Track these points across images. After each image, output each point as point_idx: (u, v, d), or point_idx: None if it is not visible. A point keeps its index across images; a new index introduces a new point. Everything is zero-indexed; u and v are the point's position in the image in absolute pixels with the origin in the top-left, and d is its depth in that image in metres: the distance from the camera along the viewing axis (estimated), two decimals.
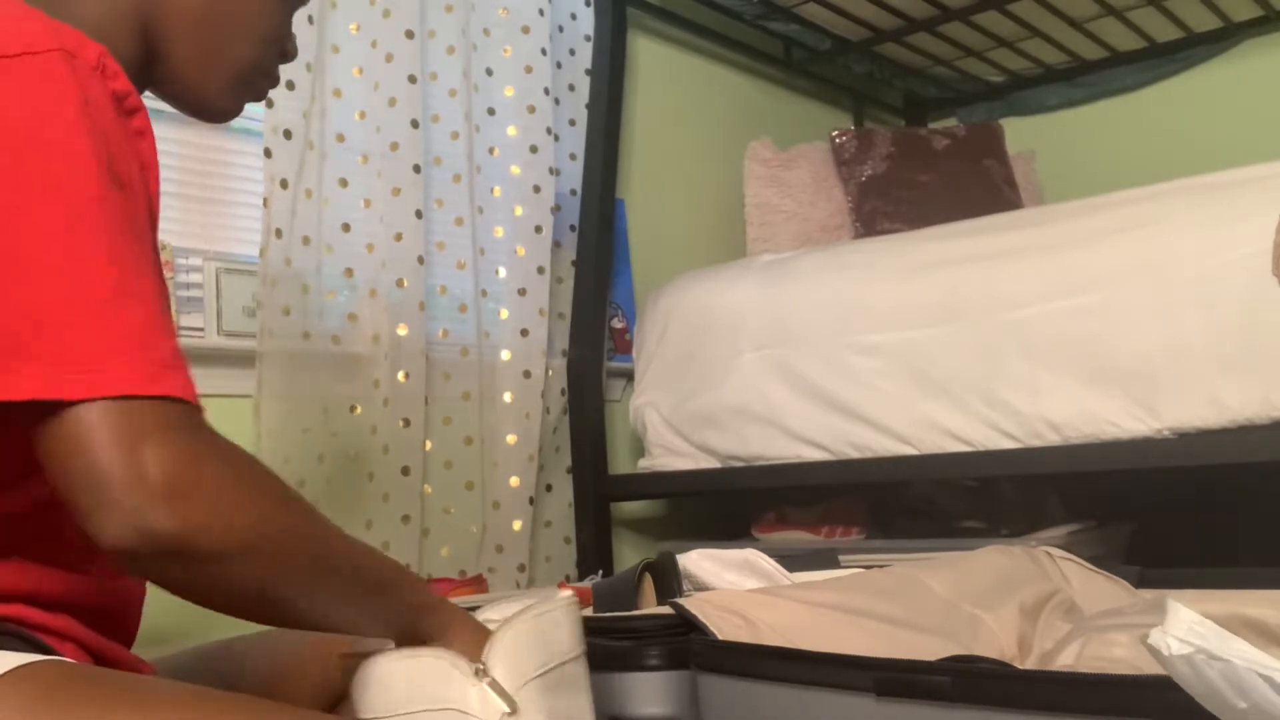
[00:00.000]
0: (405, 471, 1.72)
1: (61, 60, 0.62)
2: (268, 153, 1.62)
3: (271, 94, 1.62)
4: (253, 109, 1.65)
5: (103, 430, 0.59)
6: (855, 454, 1.77)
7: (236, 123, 1.70)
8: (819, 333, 1.81)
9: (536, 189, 1.99)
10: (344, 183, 1.73)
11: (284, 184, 1.63)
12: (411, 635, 0.75)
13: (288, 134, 1.64)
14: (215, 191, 1.66)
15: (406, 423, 1.73)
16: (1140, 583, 1.39)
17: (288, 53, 0.86)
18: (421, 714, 0.72)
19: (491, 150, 1.97)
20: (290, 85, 1.65)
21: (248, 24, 0.80)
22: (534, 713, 0.72)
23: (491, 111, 1.98)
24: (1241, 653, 0.50)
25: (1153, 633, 0.51)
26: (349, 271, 1.73)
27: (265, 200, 1.61)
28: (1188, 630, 0.52)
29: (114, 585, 0.75)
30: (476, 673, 0.72)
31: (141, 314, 0.62)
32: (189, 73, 0.79)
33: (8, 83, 0.61)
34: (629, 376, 2.15)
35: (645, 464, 2.04)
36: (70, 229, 0.60)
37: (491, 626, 0.76)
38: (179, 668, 0.86)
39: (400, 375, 1.73)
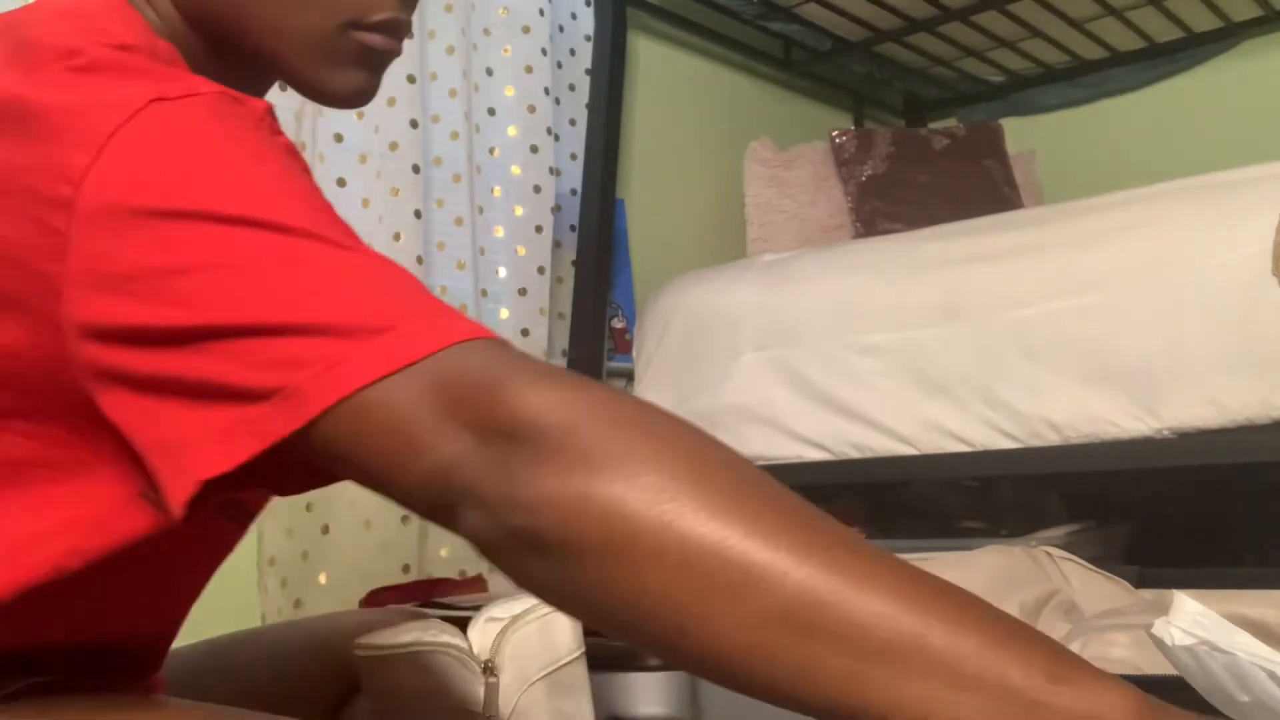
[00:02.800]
0: None
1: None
2: None
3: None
4: None
5: (416, 401, 0.47)
6: (855, 454, 1.77)
7: None
8: (819, 333, 1.81)
9: (537, 189, 1.98)
10: (342, 182, 1.73)
11: None
12: None
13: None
14: None
15: None
16: (1140, 583, 1.40)
17: None
18: (431, 709, 0.72)
19: (492, 150, 1.97)
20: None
21: None
22: (539, 713, 0.72)
23: (492, 111, 1.98)
24: (1245, 646, 0.50)
25: (1157, 623, 0.51)
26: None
27: None
28: (1192, 622, 0.52)
29: (134, 629, 0.70)
30: (485, 670, 0.72)
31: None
32: (276, 60, 0.69)
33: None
34: (629, 376, 2.15)
35: None
36: None
37: (495, 627, 0.76)
38: (192, 663, 0.86)
39: None
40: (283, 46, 0.67)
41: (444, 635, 0.79)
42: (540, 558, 0.45)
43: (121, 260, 0.52)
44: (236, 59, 0.68)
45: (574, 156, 2.13)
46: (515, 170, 1.98)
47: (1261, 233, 1.41)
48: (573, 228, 2.11)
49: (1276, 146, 2.08)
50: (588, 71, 2.16)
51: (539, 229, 1.98)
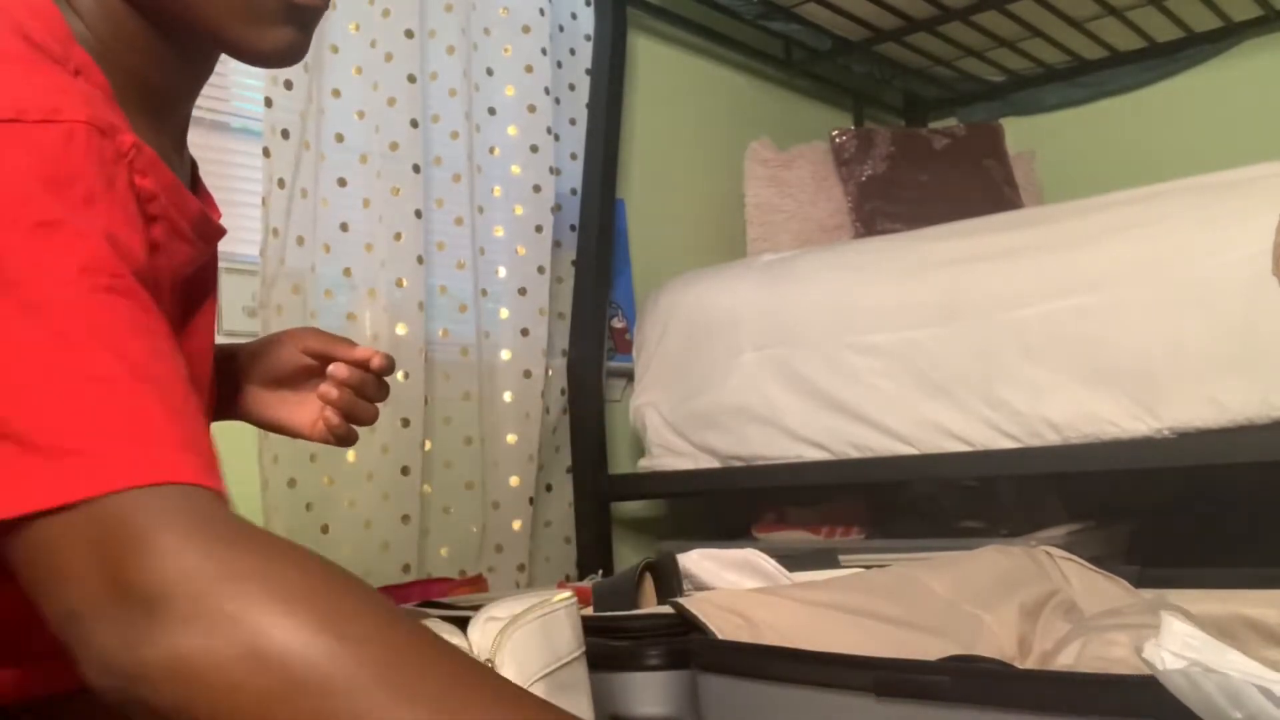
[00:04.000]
0: (405, 471, 1.72)
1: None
2: (266, 152, 1.62)
3: (270, 93, 1.63)
4: (254, 109, 1.66)
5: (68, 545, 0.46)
6: (855, 454, 1.77)
7: (236, 122, 1.71)
8: (819, 333, 1.81)
9: (537, 188, 1.99)
10: (343, 182, 1.73)
11: (281, 183, 1.63)
12: None
13: (285, 134, 1.64)
14: (216, 191, 1.65)
15: (406, 422, 1.73)
16: (1140, 583, 1.40)
17: None
18: None
19: (492, 150, 1.97)
20: (288, 85, 1.65)
21: None
22: None
23: (492, 111, 1.98)
24: (1236, 664, 0.51)
25: (1146, 646, 0.52)
26: (348, 271, 1.73)
27: (264, 200, 1.61)
28: (1182, 644, 0.52)
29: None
30: None
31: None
32: (209, 27, 0.67)
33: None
34: (629, 376, 2.15)
35: (645, 464, 2.04)
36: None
37: (495, 626, 0.76)
38: None
39: (400, 375, 1.73)
40: (213, 13, 0.66)
41: (444, 635, 0.79)
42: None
43: None
44: (177, 36, 0.68)
45: (574, 156, 2.13)
46: (515, 170, 1.98)
47: (1261, 233, 1.41)
48: (573, 227, 2.11)
49: (1276, 146, 2.08)
50: (588, 71, 2.16)
51: (539, 228, 1.98)
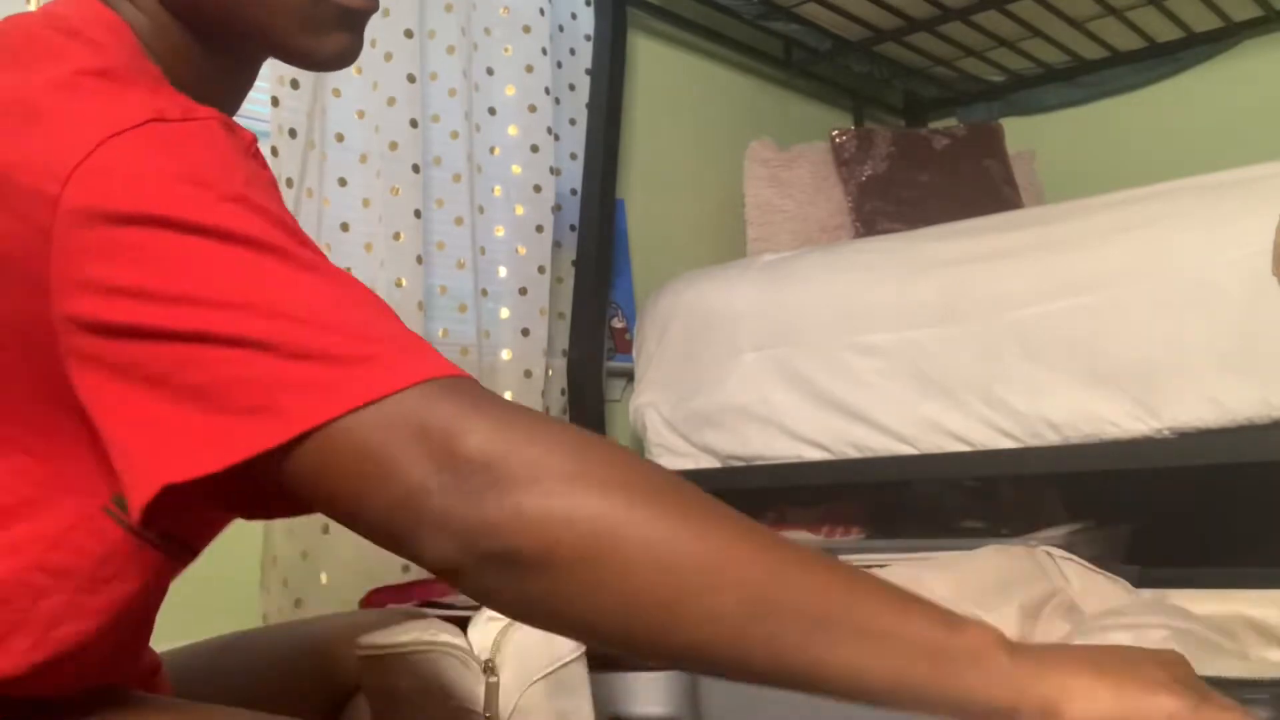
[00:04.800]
0: None
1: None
2: (274, 151, 1.62)
3: (276, 92, 1.63)
4: (260, 109, 1.65)
5: (388, 435, 0.50)
6: (855, 454, 1.77)
7: (244, 122, 1.71)
8: (819, 333, 1.81)
9: (537, 188, 1.98)
10: (343, 182, 1.73)
11: (290, 183, 1.63)
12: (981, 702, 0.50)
13: (293, 133, 1.64)
14: None
15: None
16: (1140, 583, 1.40)
17: None
18: (431, 709, 0.72)
19: (492, 150, 1.97)
20: (295, 84, 1.65)
21: None
22: (539, 713, 0.72)
23: (492, 111, 1.98)
24: None
25: None
26: (347, 271, 1.73)
27: None
28: None
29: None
30: (485, 670, 0.72)
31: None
32: (263, 35, 0.68)
33: None
34: (629, 376, 2.15)
35: None
36: None
37: (496, 626, 0.76)
38: (193, 664, 0.86)
39: None
40: (268, 20, 0.68)
41: (444, 635, 0.79)
42: (513, 575, 0.50)
43: (109, 258, 0.53)
44: (224, 44, 0.69)
45: (574, 156, 2.13)
46: (515, 170, 1.98)
47: (1261, 233, 1.41)
48: (573, 227, 2.11)
49: (1276, 146, 2.08)
50: (588, 71, 2.16)
51: (539, 228, 1.98)
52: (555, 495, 0.49)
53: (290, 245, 0.55)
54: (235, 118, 0.67)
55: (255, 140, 0.62)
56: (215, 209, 0.53)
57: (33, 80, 0.57)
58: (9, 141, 0.55)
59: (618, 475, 0.51)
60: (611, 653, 0.59)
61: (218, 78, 0.70)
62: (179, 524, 0.62)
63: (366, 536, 0.53)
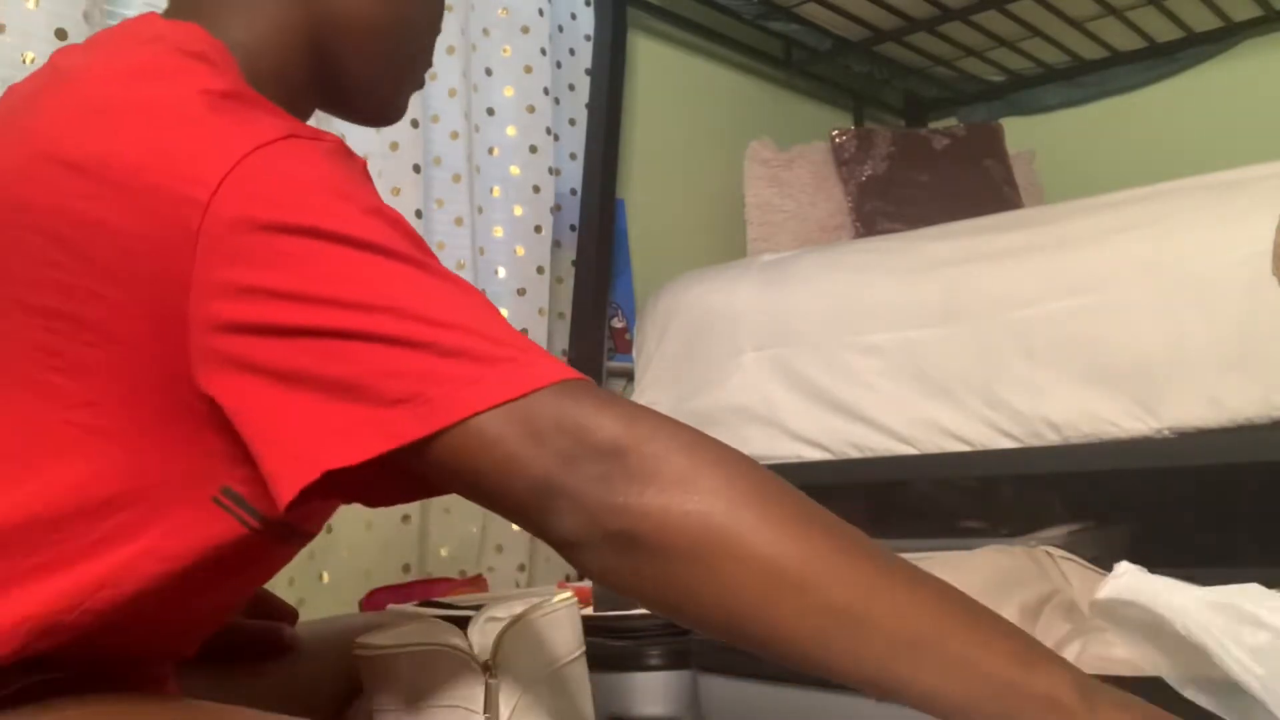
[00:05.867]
0: None
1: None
2: None
3: None
4: None
5: (526, 425, 0.55)
6: (855, 454, 1.77)
7: None
8: (819, 333, 1.81)
9: (536, 189, 1.98)
10: None
11: None
12: None
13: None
14: None
15: None
16: None
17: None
18: (431, 709, 0.72)
19: (491, 150, 1.97)
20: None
21: (421, 18, 0.77)
22: (539, 713, 0.72)
23: (491, 111, 1.98)
24: (1173, 602, 0.58)
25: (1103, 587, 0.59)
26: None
27: None
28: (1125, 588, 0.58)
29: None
30: (485, 670, 0.72)
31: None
32: (365, 82, 0.75)
33: None
34: (629, 376, 2.15)
35: None
36: None
37: (495, 626, 0.76)
38: (193, 665, 0.86)
39: None
40: (383, 76, 0.74)
41: (444, 635, 0.79)
42: (630, 557, 0.55)
43: (263, 263, 0.56)
44: (315, 85, 0.73)
45: (574, 156, 2.13)
46: (515, 170, 1.98)
47: (1261, 233, 1.41)
48: (573, 228, 2.11)
49: (1276, 146, 2.08)
50: (587, 71, 2.16)
51: (539, 229, 1.98)
52: (676, 491, 0.54)
53: (423, 257, 0.60)
54: None
55: (365, 165, 0.65)
56: (359, 221, 0.58)
57: (160, 92, 0.60)
58: (138, 144, 0.57)
59: (733, 479, 0.55)
60: (709, 637, 0.63)
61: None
62: (302, 513, 0.65)
63: (499, 513, 0.58)
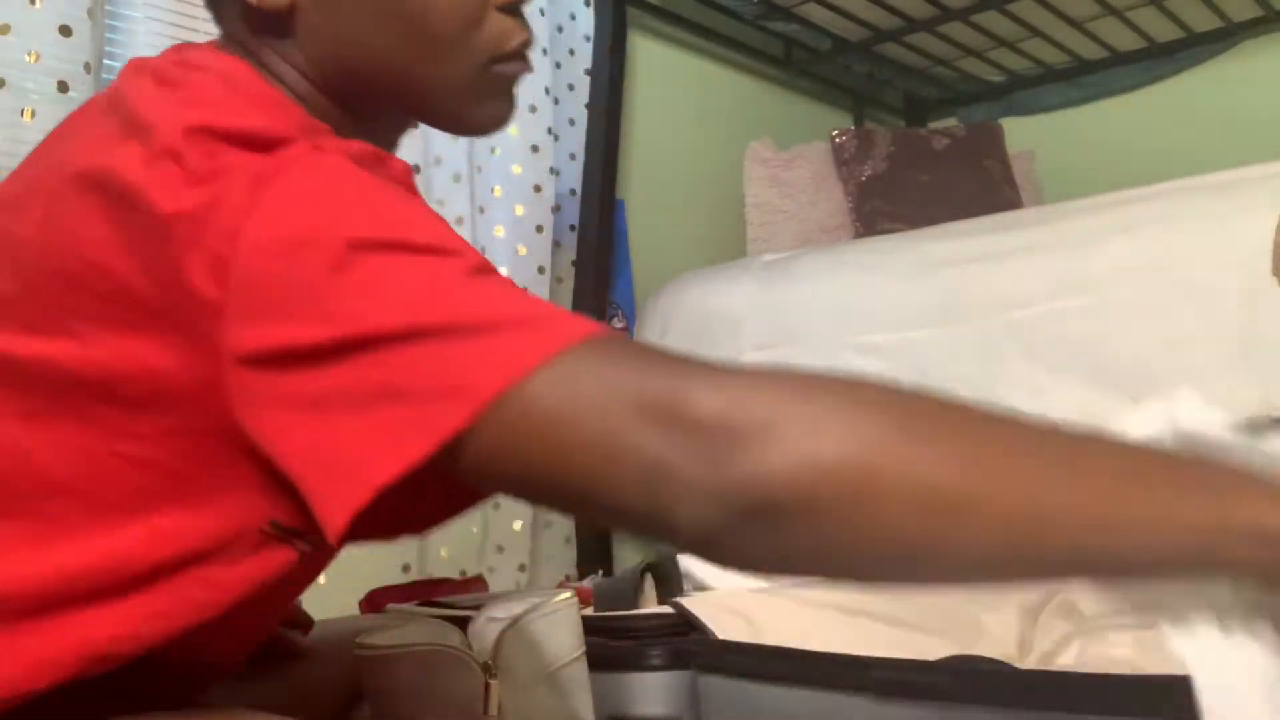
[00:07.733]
0: None
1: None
2: None
3: None
4: None
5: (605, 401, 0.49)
6: None
7: None
8: (819, 333, 1.81)
9: (537, 189, 1.99)
10: None
11: None
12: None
13: None
14: None
15: None
16: None
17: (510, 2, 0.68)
18: (431, 709, 0.72)
19: (492, 150, 1.97)
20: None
21: (435, 12, 0.66)
22: (539, 713, 0.72)
23: None
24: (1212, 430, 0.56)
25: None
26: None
27: None
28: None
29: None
30: (485, 670, 0.72)
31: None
32: (422, 107, 0.70)
33: None
34: None
35: None
36: None
37: (495, 626, 0.76)
38: None
39: None
40: (429, 95, 0.69)
41: (444, 635, 0.79)
42: (775, 528, 0.48)
43: (283, 284, 0.53)
44: (370, 114, 0.70)
45: (574, 156, 2.13)
46: (515, 170, 1.98)
47: (1261, 233, 1.41)
48: (573, 228, 2.11)
49: (1276, 146, 2.08)
50: (587, 71, 2.16)
51: (539, 229, 1.98)
52: (803, 442, 0.48)
53: (452, 244, 0.56)
54: None
55: (407, 169, 0.62)
56: (378, 224, 0.55)
57: (197, 117, 0.57)
58: (171, 180, 0.56)
59: (857, 410, 0.49)
60: (870, 587, 0.59)
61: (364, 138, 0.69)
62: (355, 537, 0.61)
63: (596, 518, 0.53)
